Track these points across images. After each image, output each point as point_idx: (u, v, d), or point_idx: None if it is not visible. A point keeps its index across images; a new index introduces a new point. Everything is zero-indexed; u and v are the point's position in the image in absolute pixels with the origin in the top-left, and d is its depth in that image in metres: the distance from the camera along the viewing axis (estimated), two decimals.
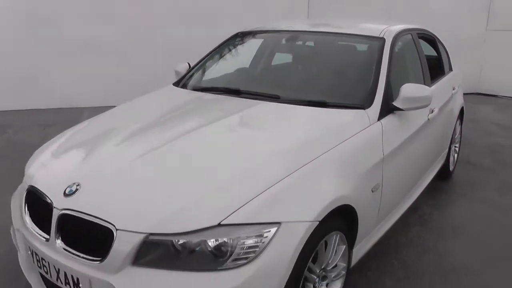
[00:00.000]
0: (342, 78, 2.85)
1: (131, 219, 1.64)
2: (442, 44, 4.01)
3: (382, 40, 2.81)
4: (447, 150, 3.85)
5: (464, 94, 5.73)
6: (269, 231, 1.63)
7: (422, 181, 3.27)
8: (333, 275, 2.09)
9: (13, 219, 2.14)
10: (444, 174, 4.04)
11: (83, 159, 2.06)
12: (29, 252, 1.93)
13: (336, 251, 2.04)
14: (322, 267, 1.99)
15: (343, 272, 2.15)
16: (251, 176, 1.81)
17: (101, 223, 1.66)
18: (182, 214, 1.64)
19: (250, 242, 1.60)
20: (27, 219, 1.97)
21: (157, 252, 1.60)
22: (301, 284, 1.79)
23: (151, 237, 1.59)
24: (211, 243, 1.59)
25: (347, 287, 2.36)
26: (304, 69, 3.24)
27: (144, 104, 2.87)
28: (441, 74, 3.72)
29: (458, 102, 4.00)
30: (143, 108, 2.79)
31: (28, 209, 2.01)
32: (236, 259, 1.58)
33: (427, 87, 2.59)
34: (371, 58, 2.72)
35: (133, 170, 1.91)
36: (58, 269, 1.77)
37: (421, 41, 3.51)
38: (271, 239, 1.63)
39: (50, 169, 2.11)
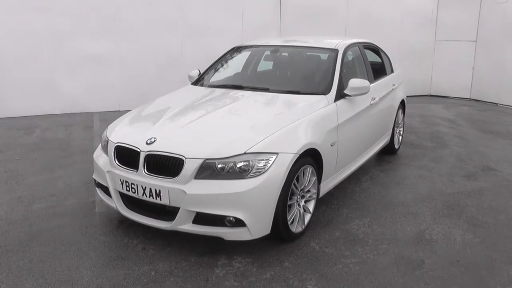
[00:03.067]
0: (310, 76, 4.19)
1: (194, 152, 2.87)
2: (385, 53, 5.38)
3: (336, 50, 4.15)
4: (390, 131, 5.20)
5: (418, 96, 6.95)
6: (272, 157, 2.89)
7: (370, 150, 4.58)
8: (308, 195, 3.36)
9: (100, 167, 3.31)
10: (390, 150, 5.41)
11: (153, 124, 3.27)
12: (120, 182, 3.10)
13: (309, 180, 3.31)
14: (301, 188, 3.25)
15: (314, 196, 3.42)
16: (261, 128, 3.09)
17: (175, 156, 2.88)
18: (223, 148, 2.88)
19: (261, 163, 2.85)
20: (118, 163, 3.16)
21: (209, 170, 2.83)
22: (289, 193, 3.03)
23: (206, 161, 2.82)
24: (240, 164, 2.83)
25: (319, 215, 3.66)
26: (283, 70, 4.55)
27: (179, 95, 4.14)
28: (383, 75, 5.09)
29: (399, 95, 5.36)
30: (179, 97, 4.04)
31: (116, 157, 3.20)
32: (254, 173, 2.83)
33: (366, 80, 3.91)
34: (329, 63, 4.07)
35: (189, 128, 3.16)
36: (145, 187, 2.96)
37: (368, 50, 4.88)
38: (272, 162, 2.88)
39: (131, 132, 3.32)
